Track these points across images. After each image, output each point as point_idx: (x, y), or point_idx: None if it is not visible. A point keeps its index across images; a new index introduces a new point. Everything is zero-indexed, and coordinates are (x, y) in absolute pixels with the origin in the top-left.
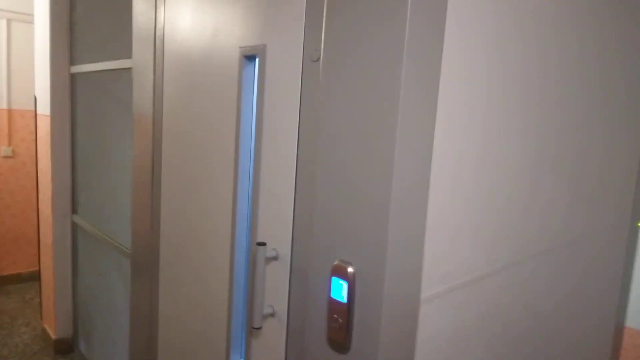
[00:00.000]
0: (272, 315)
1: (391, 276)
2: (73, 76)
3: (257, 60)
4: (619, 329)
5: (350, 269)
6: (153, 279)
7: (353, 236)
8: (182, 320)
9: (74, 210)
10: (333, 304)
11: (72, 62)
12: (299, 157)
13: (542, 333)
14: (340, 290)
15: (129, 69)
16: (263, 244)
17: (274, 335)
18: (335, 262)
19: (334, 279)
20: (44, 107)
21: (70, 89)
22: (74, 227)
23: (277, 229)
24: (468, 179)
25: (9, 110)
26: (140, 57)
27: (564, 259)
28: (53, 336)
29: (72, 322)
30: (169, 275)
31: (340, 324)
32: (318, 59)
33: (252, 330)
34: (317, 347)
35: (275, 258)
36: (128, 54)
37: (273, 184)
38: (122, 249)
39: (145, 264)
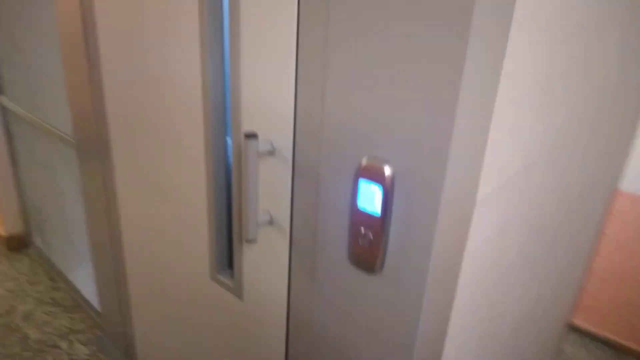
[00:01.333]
0: (270, 223)
1: (451, 180)
2: None
3: None
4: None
5: (387, 170)
6: (106, 173)
7: (393, 123)
8: (150, 220)
9: (0, 91)
10: (359, 215)
11: None
12: (301, 5)
13: (572, 226)
14: (371, 199)
15: None
16: (254, 135)
17: (273, 247)
18: (364, 161)
19: (363, 183)
20: None
21: None
22: (4, 111)
23: (271, 116)
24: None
25: None
26: None
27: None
28: (3, 233)
29: (22, 218)
30: (126, 166)
31: (371, 240)
32: None
33: (245, 242)
34: (334, 263)
35: (271, 153)
36: None
37: (262, 47)
38: (64, 138)
39: (93, 153)
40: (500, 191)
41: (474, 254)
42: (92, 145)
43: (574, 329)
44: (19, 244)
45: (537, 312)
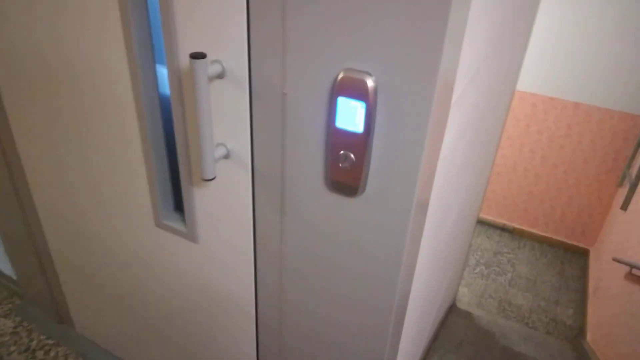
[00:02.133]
0: (226, 157)
1: (438, 90)
2: None
3: None
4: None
5: (370, 82)
6: None
7: (376, 29)
8: (65, 168)
9: None
10: (338, 136)
11: None
12: None
13: (487, 128)
14: (352, 116)
15: None
16: (201, 55)
17: (231, 184)
18: (342, 74)
19: (341, 99)
20: None
21: None
22: None
23: (216, 31)
24: None
25: None
26: None
27: None
28: None
29: None
30: (23, 108)
31: (353, 161)
32: None
33: (200, 182)
34: (308, 191)
35: (220, 76)
36: None
37: None
38: None
39: None
40: (461, 97)
41: (442, 160)
42: None
43: (478, 221)
44: None
45: (465, 210)
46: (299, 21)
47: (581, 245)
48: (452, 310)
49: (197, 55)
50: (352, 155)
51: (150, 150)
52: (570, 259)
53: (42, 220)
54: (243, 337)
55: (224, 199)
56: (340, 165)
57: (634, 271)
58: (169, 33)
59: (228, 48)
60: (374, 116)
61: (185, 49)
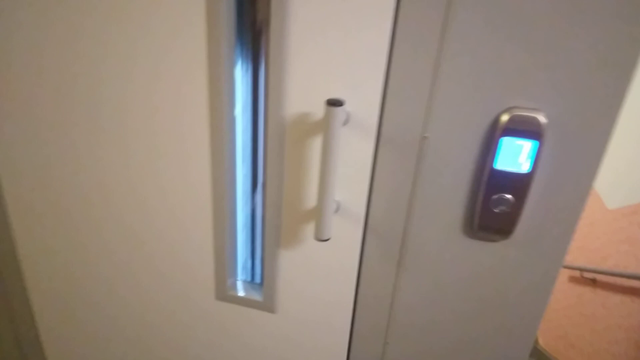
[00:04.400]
0: (335, 211)
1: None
2: None
3: None
4: None
5: (542, 119)
6: None
7: (549, 68)
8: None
9: None
10: (496, 177)
11: None
12: None
13: None
14: (516, 156)
15: None
16: (339, 102)
17: (335, 243)
18: (507, 113)
19: (506, 140)
20: None
21: None
22: None
23: (345, 73)
24: None
25: None
26: None
27: None
28: None
29: None
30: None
31: (511, 204)
32: None
33: (290, 244)
34: (439, 243)
35: (344, 122)
36: None
37: None
38: None
39: None
40: None
41: None
42: None
43: None
44: None
45: None
46: (456, 65)
47: None
48: None
49: (335, 103)
50: (509, 197)
51: (225, 210)
52: None
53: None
54: None
55: (322, 261)
56: (495, 209)
57: (585, 274)
58: (278, 79)
59: (357, 92)
60: (539, 155)
61: (294, 96)
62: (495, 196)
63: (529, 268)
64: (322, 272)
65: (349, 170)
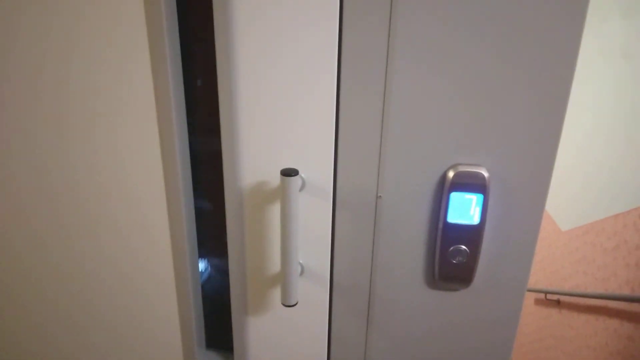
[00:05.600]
0: (300, 274)
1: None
2: None
3: None
4: None
5: (485, 174)
6: None
7: (492, 126)
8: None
9: None
10: (450, 230)
11: None
12: None
13: None
14: (466, 209)
15: None
16: (294, 172)
17: (302, 306)
18: (452, 170)
19: (454, 195)
20: None
21: None
22: None
23: (295, 144)
24: None
25: None
26: None
27: None
28: None
29: None
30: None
31: (467, 255)
32: None
33: (258, 311)
34: (405, 295)
35: (300, 189)
36: None
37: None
38: None
39: None
40: None
41: None
42: None
43: None
44: None
45: None
46: (401, 125)
47: None
48: None
49: (289, 173)
50: (464, 248)
51: (186, 278)
52: None
53: None
54: None
55: (292, 325)
56: (453, 260)
57: (549, 296)
58: (231, 149)
59: (309, 159)
60: (487, 207)
61: (249, 167)
62: (451, 248)
63: (492, 311)
64: (293, 336)
65: (309, 234)
